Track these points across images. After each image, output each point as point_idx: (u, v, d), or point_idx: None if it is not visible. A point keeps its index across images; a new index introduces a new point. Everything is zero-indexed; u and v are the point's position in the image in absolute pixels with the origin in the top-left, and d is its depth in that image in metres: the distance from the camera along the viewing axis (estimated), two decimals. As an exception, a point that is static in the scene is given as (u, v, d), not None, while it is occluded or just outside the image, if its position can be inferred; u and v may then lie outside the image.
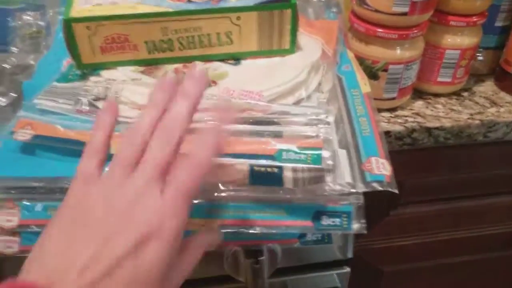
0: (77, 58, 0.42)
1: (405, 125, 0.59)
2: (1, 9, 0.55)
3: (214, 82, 0.42)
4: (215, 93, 0.40)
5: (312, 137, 0.38)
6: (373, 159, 0.40)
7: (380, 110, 0.61)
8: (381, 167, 0.39)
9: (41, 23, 0.52)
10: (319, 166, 0.37)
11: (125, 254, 0.27)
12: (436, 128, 0.60)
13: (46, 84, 0.43)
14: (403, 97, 0.60)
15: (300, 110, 0.40)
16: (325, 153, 0.37)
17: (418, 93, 0.65)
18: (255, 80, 0.43)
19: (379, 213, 0.69)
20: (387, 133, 0.58)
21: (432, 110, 0.62)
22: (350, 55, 0.54)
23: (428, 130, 0.60)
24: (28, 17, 0.52)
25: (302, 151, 0.37)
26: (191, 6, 0.41)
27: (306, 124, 0.39)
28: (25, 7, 0.55)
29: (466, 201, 0.73)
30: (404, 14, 0.52)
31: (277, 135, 0.39)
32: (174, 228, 0.28)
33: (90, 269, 0.26)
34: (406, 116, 0.61)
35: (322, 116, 0.40)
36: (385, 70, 0.57)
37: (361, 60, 0.57)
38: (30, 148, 0.40)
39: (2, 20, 0.54)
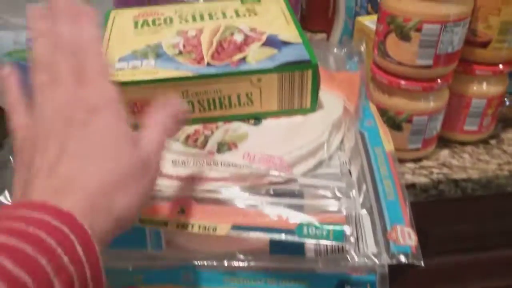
0: (98, 122, 0.42)
1: (430, 177, 0.57)
2: (27, 66, 0.56)
3: (235, 145, 0.42)
4: (235, 159, 0.40)
5: (334, 211, 0.37)
6: (398, 227, 0.39)
7: (404, 161, 0.59)
8: (406, 237, 0.38)
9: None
10: (342, 244, 0.36)
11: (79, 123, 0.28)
12: (463, 180, 0.58)
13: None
14: (428, 147, 0.59)
15: (322, 183, 0.39)
16: (348, 229, 0.36)
17: (444, 141, 0.63)
18: (276, 143, 0.42)
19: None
20: (412, 186, 0.57)
21: (458, 160, 0.60)
22: (373, 108, 0.53)
23: (455, 181, 0.58)
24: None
25: (323, 226, 0.36)
26: (211, 70, 0.41)
27: (328, 197, 0.38)
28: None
29: (495, 251, 0.70)
30: (429, 67, 0.51)
31: (298, 208, 0.38)
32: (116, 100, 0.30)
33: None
34: (431, 167, 0.59)
35: (345, 190, 0.39)
36: (409, 122, 0.55)
37: (383, 111, 0.56)
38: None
39: (28, 78, 0.54)
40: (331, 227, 0.37)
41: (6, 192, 0.43)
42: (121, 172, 0.28)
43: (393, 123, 0.56)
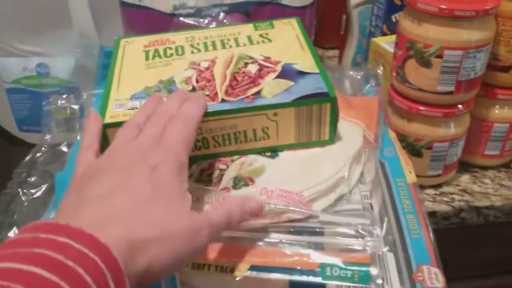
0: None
1: (452, 204, 0.55)
2: (36, 93, 0.56)
3: (251, 180, 0.40)
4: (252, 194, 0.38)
5: (358, 250, 0.35)
6: (424, 268, 0.37)
7: (424, 187, 0.57)
8: (433, 279, 0.36)
9: (75, 106, 0.52)
10: (367, 286, 0.34)
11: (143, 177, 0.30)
12: (486, 208, 0.56)
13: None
14: (449, 173, 0.57)
15: (344, 220, 0.37)
16: (373, 270, 0.34)
17: (464, 165, 0.61)
18: (294, 177, 0.41)
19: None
20: (433, 214, 0.55)
21: (480, 186, 0.58)
22: (392, 135, 0.51)
23: (477, 209, 0.56)
24: (62, 101, 0.51)
25: (348, 267, 0.34)
26: (225, 106, 0.39)
27: (350, 235, 0.36)
28: (59, 90, 0.55)
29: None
30: (450, 93, 0.50)
31: (319, 246, 0.36)
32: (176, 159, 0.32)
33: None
34: (452, 194, 0.57)
35: (368, 227, 0.37)
36: (429, 148, 0.54)
37: (402, 137, 0.54)
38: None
39: (38, 104, 0.54)
40: (355, 268, 0.35)
41: (15, 229, 0.42)
42: (166, 226, 0.28)
43: (413, 149, 0.54)
